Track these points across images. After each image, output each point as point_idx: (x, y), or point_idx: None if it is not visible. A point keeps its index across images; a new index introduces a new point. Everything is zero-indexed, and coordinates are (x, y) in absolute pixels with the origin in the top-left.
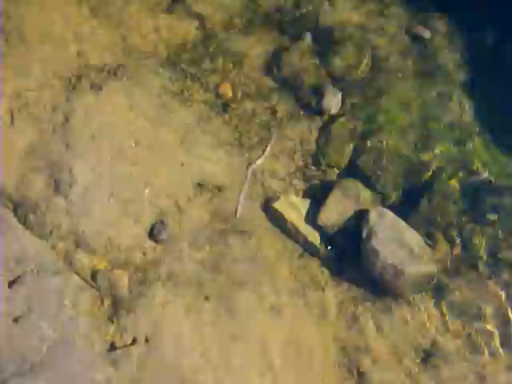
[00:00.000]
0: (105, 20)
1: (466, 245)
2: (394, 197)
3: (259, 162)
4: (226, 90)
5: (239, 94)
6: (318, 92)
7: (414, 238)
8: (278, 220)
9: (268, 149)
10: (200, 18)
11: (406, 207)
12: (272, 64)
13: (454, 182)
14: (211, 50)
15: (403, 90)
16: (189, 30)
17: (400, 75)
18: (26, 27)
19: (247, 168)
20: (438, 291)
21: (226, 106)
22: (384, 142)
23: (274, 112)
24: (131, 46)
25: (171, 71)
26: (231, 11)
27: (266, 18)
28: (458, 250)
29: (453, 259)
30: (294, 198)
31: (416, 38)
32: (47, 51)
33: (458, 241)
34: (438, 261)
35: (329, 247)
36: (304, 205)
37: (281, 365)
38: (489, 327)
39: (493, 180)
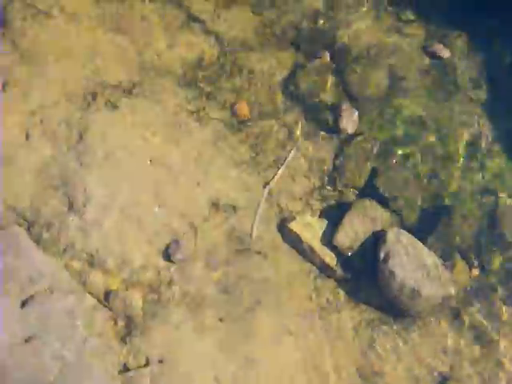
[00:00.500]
0: (120, 36)
1: (484, 267)
2: (411, 218)
3: (275, 180)
4: (243, 109)
5: (255, 113)
6: (335, 110)
7: (431, 259)
8: (293, 241)
9: (283, 168)
10: (216, 35)
11: (424, 228)
12: (288, 82)
13: (473, 203)
14: (227, 67)
15: (421, 109)
16: (205, 47)
17: (418, 94)
18: (41, 45)
19: (264, 187)
20: (456, 314)
21: (241, 125)
22: (402, 162)
23: (290, 131)
24: (147, 64)
25: (187, 89)
26: (247, 28)
27: (282, 36)
28: (476, 272)
29: (471, 281)
30: (310, 219)
31: (434, 57)
32: (62, 68)
33: (476, 263)
34: (456, 283)
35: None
36: (320, 225)
37: None
38: (507, 352)
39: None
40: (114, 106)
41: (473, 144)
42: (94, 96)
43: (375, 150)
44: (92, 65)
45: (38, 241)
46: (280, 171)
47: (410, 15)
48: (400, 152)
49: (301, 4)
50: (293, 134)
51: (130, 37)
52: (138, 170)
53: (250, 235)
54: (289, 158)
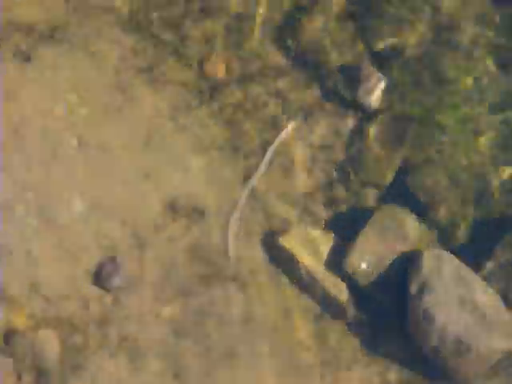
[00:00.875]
0: None
1: None
2: (460, 234)
3: (260, 173)
4: (216, 68)
5: (235, 73)
6: (353, 76)
7: (488, 297)
8: (285, 263)
9: (270, 155)
10: None
11: (479, 250)
12: (286, 32)
13: None
14: (195, 4)
15: (480, 74)
16: None
17: (476, 54)
18: None
19: (244, 184)
20: None
21: (214, 91)
22: (448, 153)
23: (285, 102)
24: None
25: (136, 36)
26: None
27: None
28: None
29: None
30: (310, 232)
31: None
32: None
33: None
34: None
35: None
36: (325, 242)
37: None
38: None
39: None
40: (26, 58)
41: None
42: None
43: (410, 135)
44: None
45: None
46: (267, 160)
47: None
48: (447, 137)
49: None
50: (289, 107)
51: None
52: (59, 153)
53: (228, 254)
54: (279, 141)
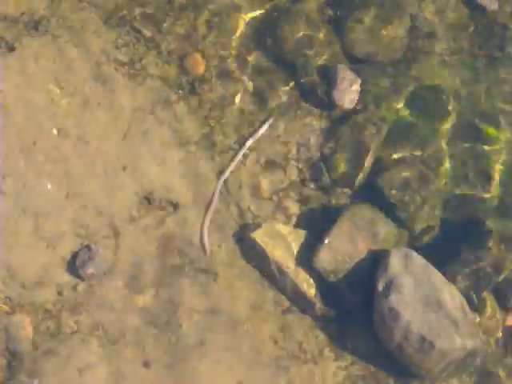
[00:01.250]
0: None
1: None
2: (427, 234)
3: (233, 167)
4: (196, 64)
5: (215, 71)
6: (329, 76)
7: (452, 296)
8: (257, 257)
9: (244, 150)
10: None
11: (445, 250)
12: (265, 31)
13: None
14: (177, 2)
15: (451, 79)
16: None
17: (448, 59)
18: None
19: (218, 178)
20: (483, 376)
21: (193, 87)
22: (418, 154)
23: (262, 100)
24: None
25: (118, 30)
26: None
27: None
28: None
29: (505, 331)
30: (282, 228)
31: (476, 8)
32: None
33: None
34: (484, 332)
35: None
36: (296, 238)
37: None
38: None
39: None
40: (10, 47)
41: None
42: None
43: (382, 135)
44: None
45: None
46: (241, 155)
47: None
48: (418, 139)
49: None
50: (265, 105)
51: None
52: (39, 140)
53: (203, 248)
54: (255, 138)
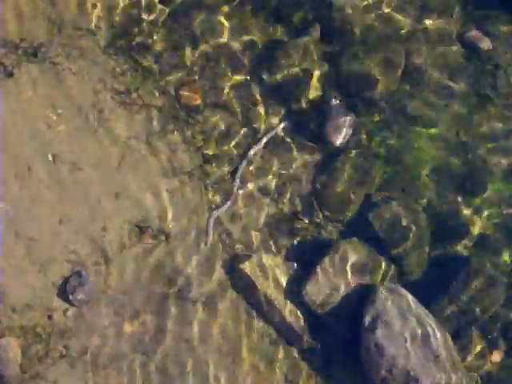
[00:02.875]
0: None
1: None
2: (415, 271)
3: (227, 206)
4: (193, 95)
5: (209, 102)
6: (322, 110)
7: (437, 332)
8: (245, 288)
9: (238, 181)
10: None
11: (432, 287)
12: (262, 64)
13: (505, 258)
14: (176, 33)
15: (445, 119)
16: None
17: (442, 98)
18: None
19: (212, 210)
20: None
21: (188, 117)
22: (409, 192)
23: (255, 132)
24: (63, 19)
25: (116, 59)
26: None
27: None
28: (498, 356)
29: (491, 368)
30: (271, 259)
31: (470, 48)
32: None
33: (501, 342)
34: (470, 368)
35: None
36: (286, 270)
37: None
38: None
39: None
40: (9, 73)
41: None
42: None
43: (374, 172)
44: None
45: None
46: (237, 185)
47: None
48: (409, 177)
49: None
50: (259, 138)
51: None
52: (34, 166)
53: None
54: (240, 170)
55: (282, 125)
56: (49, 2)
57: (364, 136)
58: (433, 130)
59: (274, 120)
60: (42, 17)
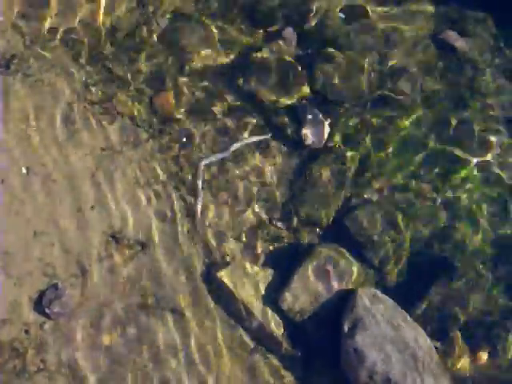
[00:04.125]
0: None
1: (496, 351)
2: (394, 274)
3: (199, 208)
4: (167, 103)
5: (184, 109)
6: (298, 115)
7: (419, 337)
8: (223, 296)
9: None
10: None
11: (412, 291)
12: (236, 70)
13: (485, 259)
14: (150, 40)
15: (421, 120)
16: (122, 7)
17: (418, 99)
18: None
19: (187, 216)
20: None
21: (163, 126)
22: (387, 194)
23: (231, 139)
24: (35, 29)
25: (89, 69)
26: None
27: (232, 2)
28: (483, 358)
29: (475, 372)
30: (249, 267)
31: (445, 48)
32: None
33: (484, 344)
34: (452, 371)
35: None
36: (263, 277)
37: None
38: None
39: None
40: None
41: (489, 179)
42: None
43: (351, 175)
44: None
45: None
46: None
47: None
48: (386, 179)
49: None
50: (234, 144)
51: None
52: (7, 180)
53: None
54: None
55: (255, 138)
56: (20, 15)
57: (340, 140)
58: (405, 129)
59: (251, 126)
60: (13, 29)
